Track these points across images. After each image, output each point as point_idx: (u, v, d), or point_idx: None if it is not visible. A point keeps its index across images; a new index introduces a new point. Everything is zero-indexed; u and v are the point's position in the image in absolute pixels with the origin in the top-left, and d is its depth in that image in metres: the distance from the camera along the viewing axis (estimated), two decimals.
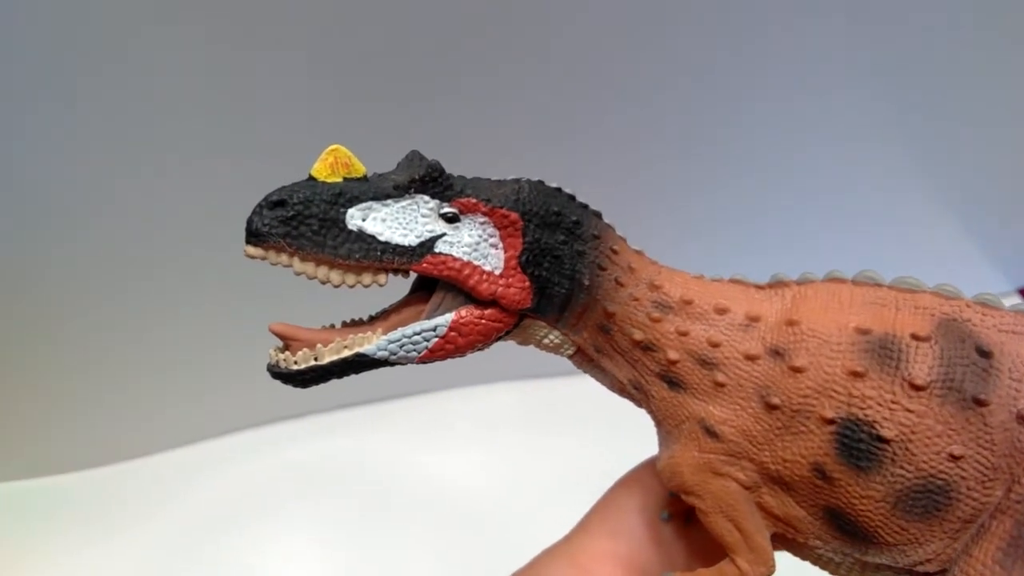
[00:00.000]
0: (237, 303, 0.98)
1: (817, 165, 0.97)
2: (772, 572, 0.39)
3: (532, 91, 0.85)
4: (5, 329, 0.94)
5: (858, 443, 0.35)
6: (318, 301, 0.93)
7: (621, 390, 0.43)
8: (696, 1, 0.82)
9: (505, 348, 1.13)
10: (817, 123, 0.93)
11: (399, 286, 0.40)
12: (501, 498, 1.00)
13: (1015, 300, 1.10)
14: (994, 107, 0.93)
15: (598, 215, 0.41)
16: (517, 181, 0.39)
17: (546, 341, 0.42)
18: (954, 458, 0.34)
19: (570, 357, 0.43)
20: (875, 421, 0.35)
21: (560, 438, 1.05)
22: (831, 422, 0.36)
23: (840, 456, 0.36)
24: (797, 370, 0.37)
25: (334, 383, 0.38)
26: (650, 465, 0.49)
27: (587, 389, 1.05)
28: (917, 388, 0.35)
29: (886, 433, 0.35)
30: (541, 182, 0.40)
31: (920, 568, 0.36)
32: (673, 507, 0.47)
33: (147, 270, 0.93)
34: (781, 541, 0.41)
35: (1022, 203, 1.05)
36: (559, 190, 0.40)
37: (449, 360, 0.39)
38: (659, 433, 0.43)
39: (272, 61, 0.80)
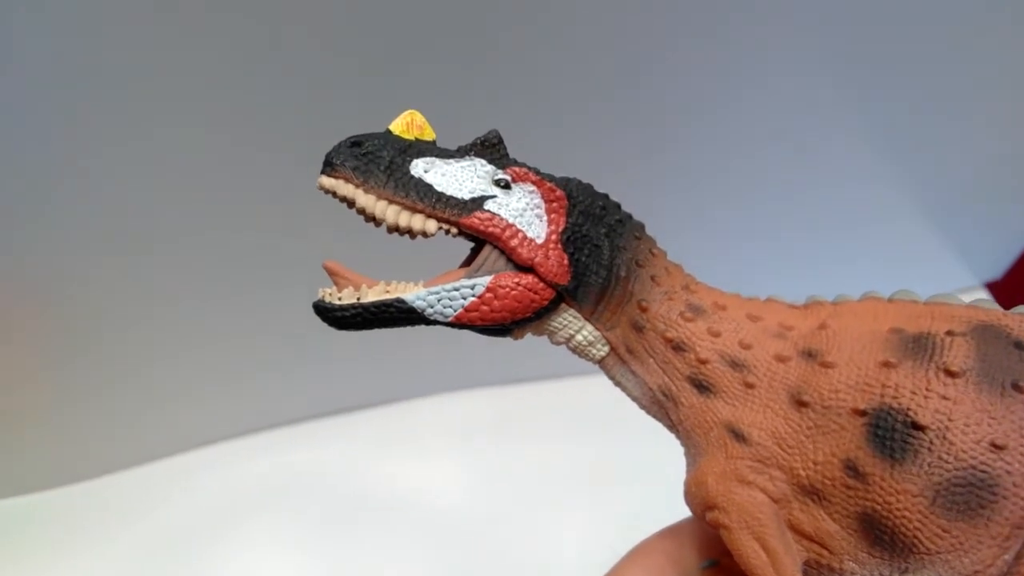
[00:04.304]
0: (207, 318, 0.96)
1: (784, 167, 0.97)
2: None
3: (537, 102, 0.85)
4: None
5: (892, 432, 0.34)
6: (293, 330, 0.90)
7: (651, 400, 0.42)
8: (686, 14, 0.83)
9: (477, 352, 1.10)
10: (788, 126, 0.93)
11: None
12: (473, 508, 0.97)
13: (981, 295, 1.14)
14: (961, 103, 0.95)
15: (641, 225, 0.42)
16: (566, 177, 0.41)
17: (579, 338, 0.42)
18: (996, 448, 0.33)
19: (600, 361, 0.43)
20: (909, 408, 0.34)
21: (533, 446, 1.02)
22: (863, 414, 0.35)
23: (873, 448, 0.34)
24: (828, 365, 0.37)
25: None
26: (678, 527, 0.46)
27: (561, 395, 1.07)
28: (952, 375, 0.34)
29: (921, 419, 0.33)
30: (590, 184, 0.42)
31: None
32: None
33: (121, 288, 0.91)
34: (815, 572, 0.37)
35: (986, 197, 1.07)
36: (606, 195, 0.42)
37: (480, 326, 0.40)
38: (687, 454, 0.42)
39: (295, 54, 0.78)
